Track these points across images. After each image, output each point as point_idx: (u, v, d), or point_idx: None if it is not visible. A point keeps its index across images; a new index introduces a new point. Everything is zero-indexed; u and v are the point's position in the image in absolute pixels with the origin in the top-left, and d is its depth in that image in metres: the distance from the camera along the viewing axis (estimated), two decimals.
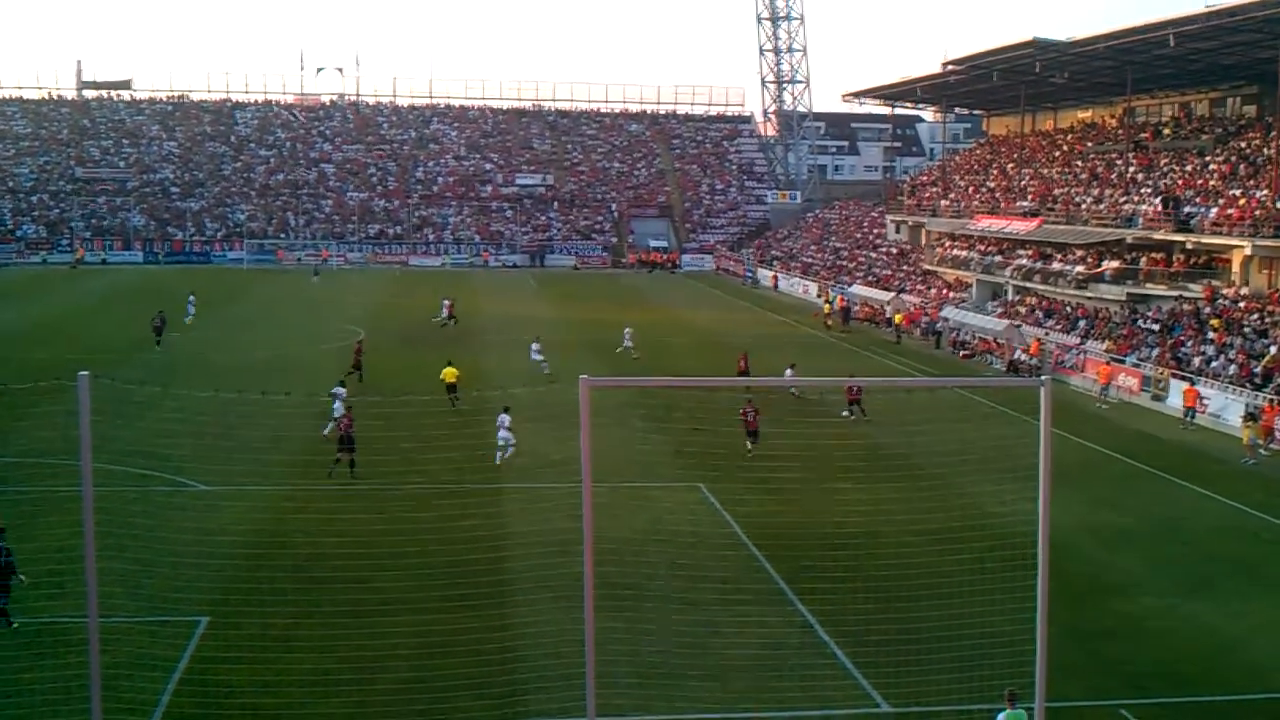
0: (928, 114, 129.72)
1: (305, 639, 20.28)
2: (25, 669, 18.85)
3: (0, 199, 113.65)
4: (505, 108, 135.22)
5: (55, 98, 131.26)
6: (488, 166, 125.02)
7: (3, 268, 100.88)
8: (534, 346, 49.72)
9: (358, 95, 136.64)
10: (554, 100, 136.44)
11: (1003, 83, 76.31)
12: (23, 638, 20.31)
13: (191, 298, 65.46)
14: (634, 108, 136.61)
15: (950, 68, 78.69)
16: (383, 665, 19.50)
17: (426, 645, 20.04)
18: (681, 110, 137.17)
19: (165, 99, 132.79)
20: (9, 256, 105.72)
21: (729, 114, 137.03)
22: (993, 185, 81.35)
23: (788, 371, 45.00)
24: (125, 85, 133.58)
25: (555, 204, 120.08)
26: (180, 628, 20.82)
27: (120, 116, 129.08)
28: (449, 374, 41.25)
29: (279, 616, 21.08)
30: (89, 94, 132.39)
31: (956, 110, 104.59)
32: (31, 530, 23.52)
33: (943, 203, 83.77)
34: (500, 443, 33.29)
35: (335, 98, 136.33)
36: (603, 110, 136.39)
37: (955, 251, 75.49)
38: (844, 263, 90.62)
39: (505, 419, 33.55)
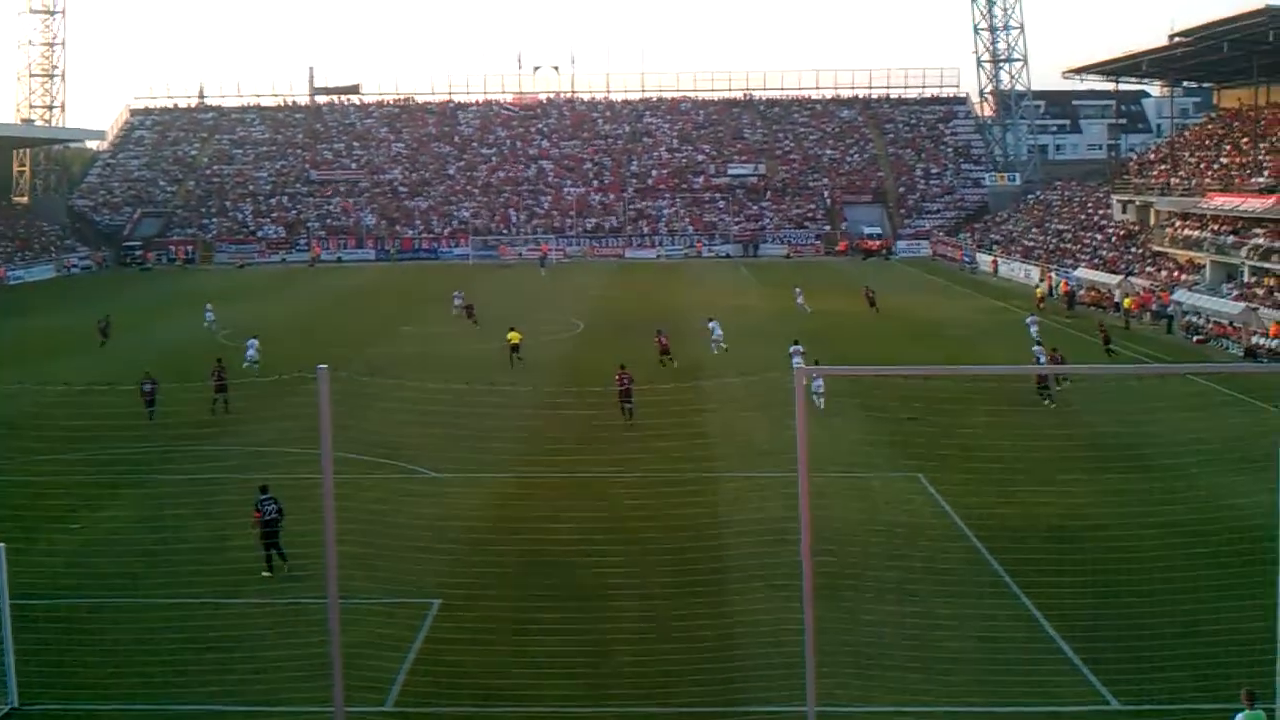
0: (1154, 88, 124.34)
1: (533, 622, 20.79)
2: (271, 647, 19.86)
3: (242, 202, 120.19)
4: (716, 99, 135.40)
5: (290, 104, 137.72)
6: (700, 158, 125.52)
7: (246, 267, 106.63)
8: (712, 325, 51.59)
9: (573, 92, 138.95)
10: (764, 89, 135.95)
11: (1234, 53, 72.42)
12: (269, 618, 21.43)
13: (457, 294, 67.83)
14: (845, 93, 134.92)
15: (1177, 39, 75.08)
16: (607, 650, 19.82)
17: (649, 631, 20.32)
18: (894, 94, 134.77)
19: (392, 102, 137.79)
20: (251, 256, 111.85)
21: (943, 95, 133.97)
22: (1226, 161, 77.31)
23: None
24: (354, 90, 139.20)
25: (767, 193, 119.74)
26: (414, 609, 21.62)
27: (350, 120, 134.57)
28: (514, 337, 48.13)
29: (507, 600, 21.66)
30: (321, 99, 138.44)
31: (1184, 84, 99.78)
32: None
33: (1172, 181, 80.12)
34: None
35: (552, 96, 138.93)
36: (813, 97, 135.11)
37: (1186, 231, 72.07)
38: (1067, 245, 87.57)
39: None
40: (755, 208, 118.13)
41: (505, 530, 26.14)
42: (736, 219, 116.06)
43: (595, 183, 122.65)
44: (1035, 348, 45.91)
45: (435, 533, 25.24)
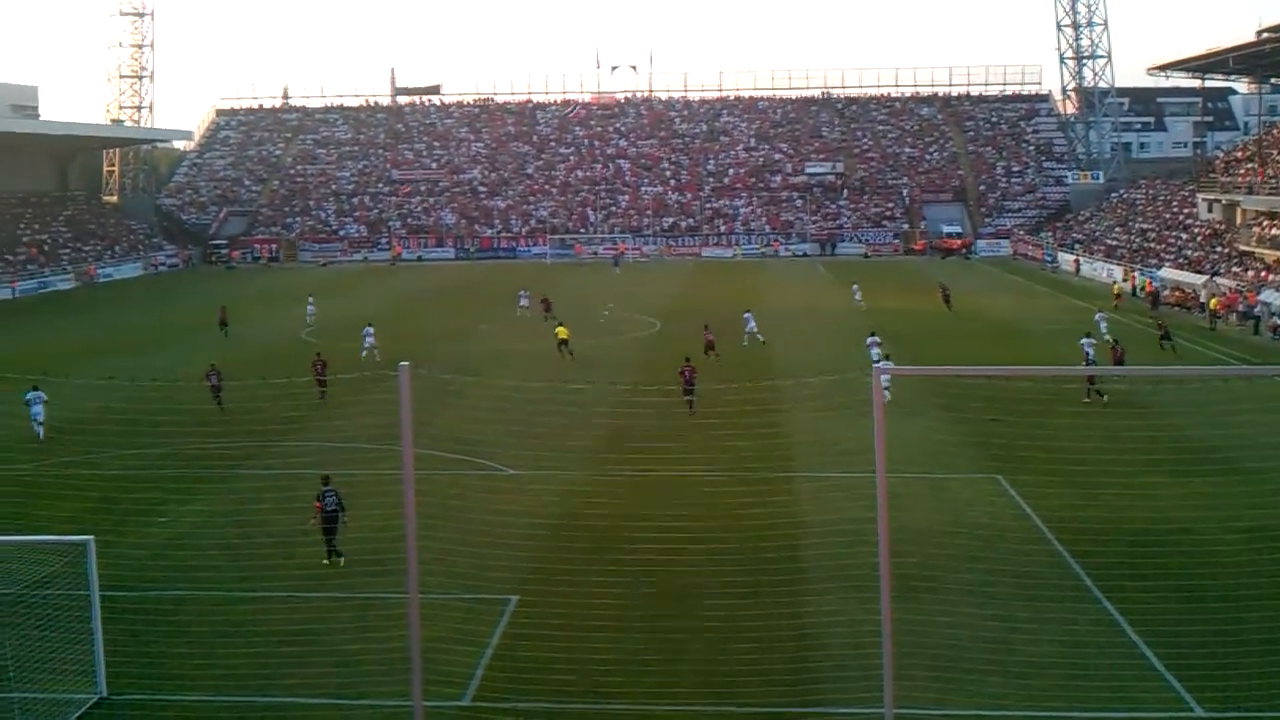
0: (1241, 85, 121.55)
1: (609, 620, 20.81)
2: (351, 641, 20.10)
3: (325, 201, 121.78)
4: (794, 97, 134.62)
5: (372, 104, 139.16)
6: (777, 156, 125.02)
7: (329, 265, 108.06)
8: (747, 316, 53.49)
9: (650, 91, 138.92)
10: (843, 87, 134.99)
11: None
12: (348, 612, 21.68)
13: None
14: (925, 91, 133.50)
15: (1265, 35, 73.51)
16: (681, 649, 19.82)
17: (723, 630, 20.27)
18: (975, 91, 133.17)
19: (472, 102, 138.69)
20: (334, 255, 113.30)
21: (1025, 93, 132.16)
22: None
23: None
24: (435, 90, 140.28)
25: (845, 192, 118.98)
26: (492, 605, 21.74)
27: (431, 120, 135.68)
28: (561, 332, 49.76)
29: (584, 597, 21.70)
30: (402, 99, 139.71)
31: (1272, 80, 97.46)
32: (356, 512, 25.06)
33: (1259, 179, 78.37)
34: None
35: (629, 95, 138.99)
36: (892, 95, 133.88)
37: (1274, 231, 70.46)
38: (1151, 245, 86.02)
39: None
40: (833, 206, 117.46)
41: (582, 528, 26.22)
42: (814, 218, 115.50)
43: (672, 181, 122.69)
44: (1083, 340, 45.20)
45: (513, 529, 25.38)
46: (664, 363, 46.92)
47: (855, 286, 70.61)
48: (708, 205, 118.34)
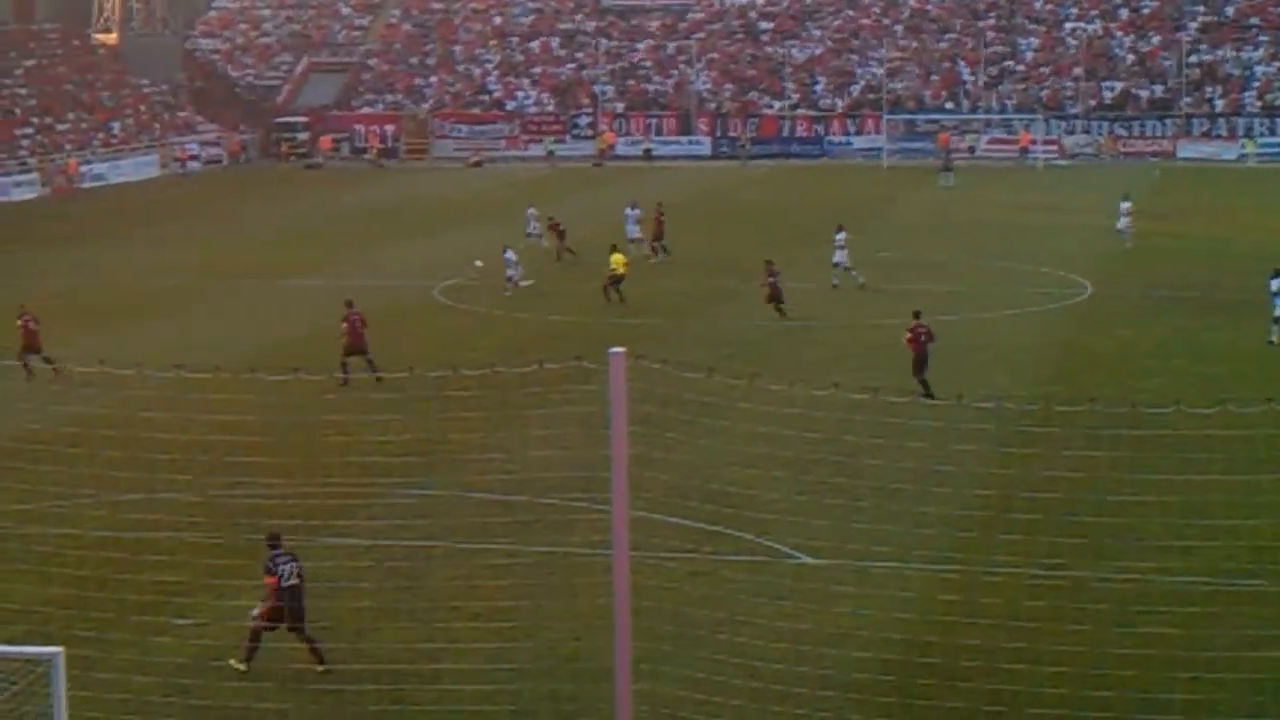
0: None
1: None
2: None
3: (482, 49, 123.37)
4: None
5: None
6: None
7: (483, 165, 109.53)
8: (838, 238, 61.16)
9: None
10: None
11: None
12: None
13: None
14: None
15: None
16: None
17: None
18: None
19: None
20: (495, 144, 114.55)
21: None
22: None
23: None
24: None
25: None
26: None
27: None
28: (617, 261, 59.11)
29: None
30: None
31: None
32: (511, 612, 25.37)
33: None
34: None
35: None
36: None
37: None
38: None
39: None
40: None
41: (944, 672, 25.75)
42: None
43: (1123, 14, 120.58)
44: None
45: (813, 667, 25.16)
46: (1098, 360, 46.45)
47: (1125, 205, 71.05)
48: (1191, 60, 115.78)
